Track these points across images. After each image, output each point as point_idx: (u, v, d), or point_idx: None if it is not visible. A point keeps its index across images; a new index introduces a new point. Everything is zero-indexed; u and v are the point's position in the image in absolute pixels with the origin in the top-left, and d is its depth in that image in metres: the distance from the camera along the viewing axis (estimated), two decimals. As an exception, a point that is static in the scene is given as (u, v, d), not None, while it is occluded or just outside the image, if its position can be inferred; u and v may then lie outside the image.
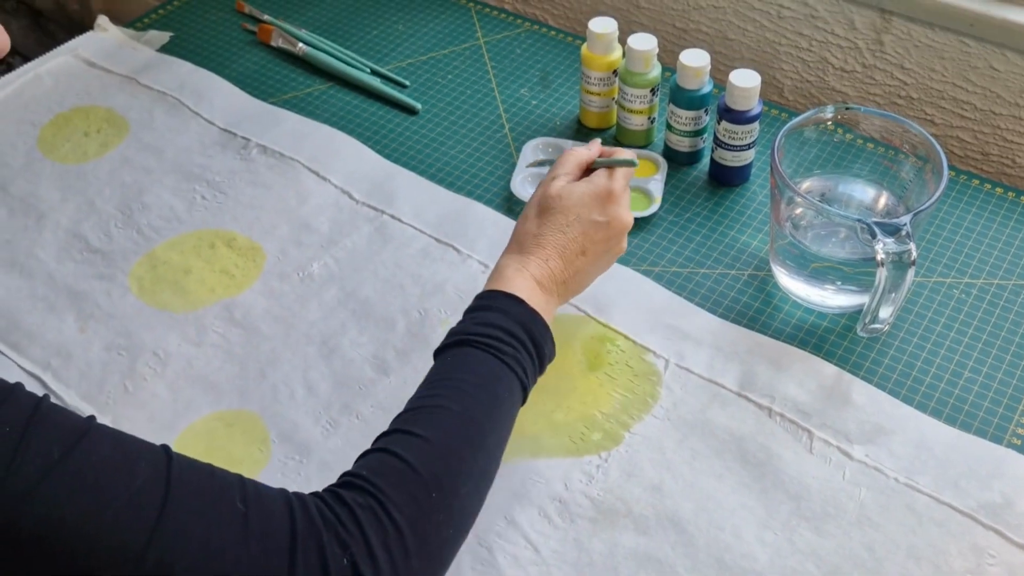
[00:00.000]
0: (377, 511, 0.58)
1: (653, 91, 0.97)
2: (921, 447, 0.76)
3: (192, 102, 1.07)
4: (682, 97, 0.94)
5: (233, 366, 0.83)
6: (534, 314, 0.70)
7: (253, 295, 0.89)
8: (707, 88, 0.94)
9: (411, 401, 0.66)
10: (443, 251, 0.91)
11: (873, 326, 0.78)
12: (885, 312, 0.77)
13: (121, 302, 0.88)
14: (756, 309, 0.86)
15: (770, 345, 0.83)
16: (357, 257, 0.91)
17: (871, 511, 0.72)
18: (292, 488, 0.73)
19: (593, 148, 0.81)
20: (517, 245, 0.75)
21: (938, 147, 0.79)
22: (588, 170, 0.79)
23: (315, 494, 0.59)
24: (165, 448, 0.57)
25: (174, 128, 1.05)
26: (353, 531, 0.56)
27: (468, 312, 0.72)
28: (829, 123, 0.84)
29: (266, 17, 1.18)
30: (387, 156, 1.01)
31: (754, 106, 0.91)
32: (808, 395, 0.79)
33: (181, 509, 0.54)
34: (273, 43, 1.14)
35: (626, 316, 0.85)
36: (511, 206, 0.95)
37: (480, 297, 0.72)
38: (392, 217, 0.95)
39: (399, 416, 0.65)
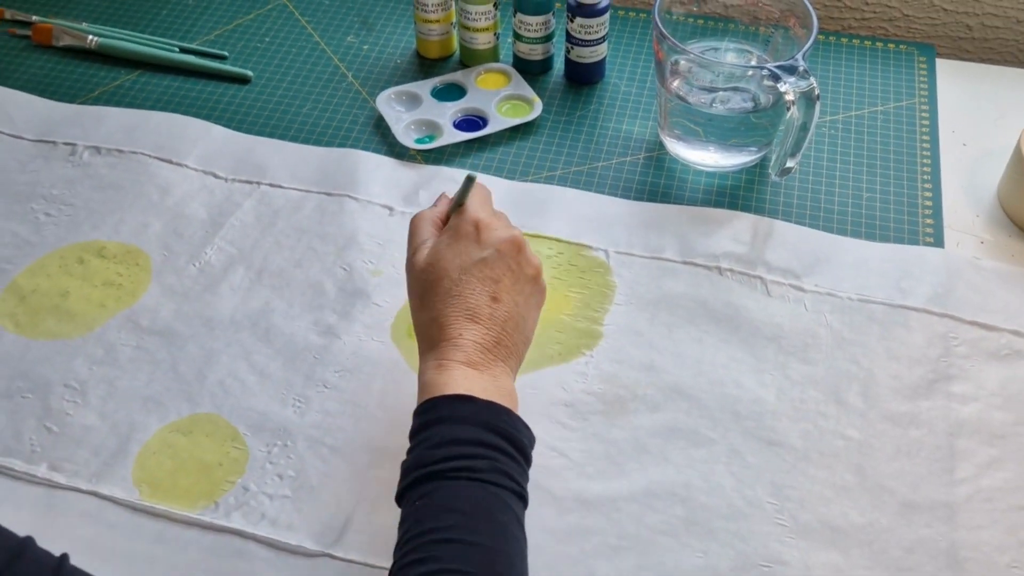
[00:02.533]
0: None
1: (495, 5, 0.96)
2: (857, 265, 0.81)
3: (-15, 121, 0.94)
4: (529, 3, 0.94)
5: (164, 374, 0.75)
6: (489, 405, 0.58)
7: (153, 298, 0.80)
8: (551, -10, 0.95)
9: (400, 567, 0.53)
10: (339, 203, 0.86)
11: (787, 167, 0.83)
12: (797, 151, 0.81)
13: (0, 344, 0.76)
14: (664, 185, 0.88)
15: (691, 212, 0.85)
16: (251, 233, 0.84)
17: (841, 330, 0.77)
18: (291, 471, 0.68)
19: (441, 204, 0.69)
20: (425, 343, 0.62)
21: (796, -8, 0.85)
22: (446, 221, 0.67)
23: None
24: None
25: (-24, 152, 0.91)
26: None
27: (412, 436, 0.59)
28: (687, -9, 0.87)
29: (34, 18, 1.05)
30: (235, 130, 0.93)
31: (603, -3, 0.93)
32: (744, 246, 0.82)
33: None
34: (56, 43, 1.02)
35: (548, 222, 0.85)
36: (399, 152, 0.91)
37: (418, 414, 0.59)
38: (271, 186, 0.88)
39: None
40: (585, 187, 0.88)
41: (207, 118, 0.95)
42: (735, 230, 0.83)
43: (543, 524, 0.66)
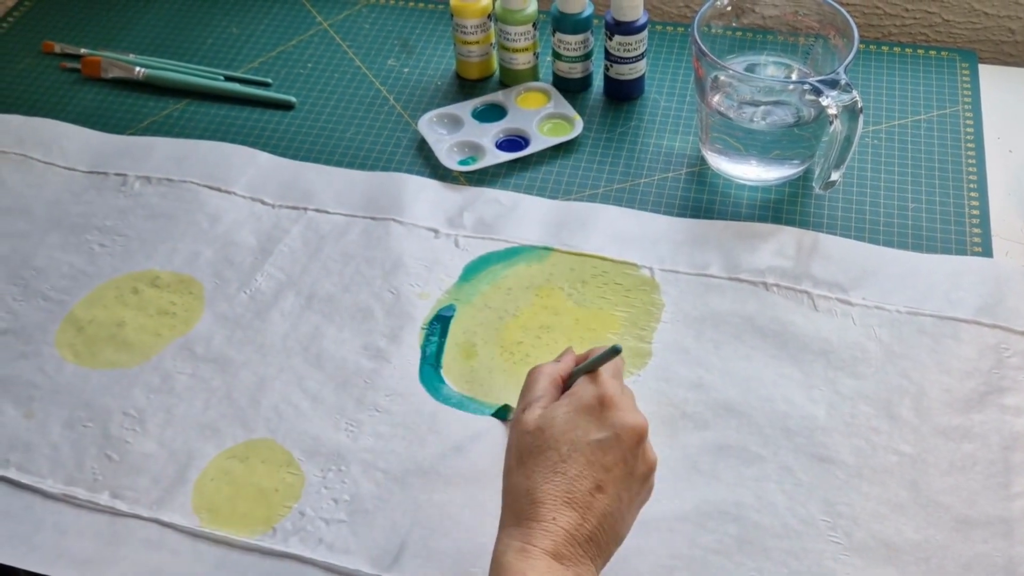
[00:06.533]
0: None
1: (534, 25, 0.97)
2: (905, 276, 0.80)
3: (40, 154, 0.96)
4: (568, 22, 0.95)
5: (220, 400, 0.76)
6: None
7: (206, 326, 0.81)
8: (589, 10, 0.95)
9: None
10: (385, 227, 0.87)
11: (831, 180, 0.82)
12: (841, 164, 0.81)
13: (60, 374, 0.78)
14: (707, 201, 0.88)
15: (735, 227, 0.85)
16: (299, 259, 0.85)
17: (891, 344, 0.76)
18: (346, 496, 0.69)
19: (566, 359, 0.64)
20: (511, 512, 0.57)
21: (836, 5, 0.84)
22: (566, 385, 0.63)
23: None
24: None
25: (32, 184, 0.94)
26: None
27: None
28: (728, 8, 0.87)
29: (83, 51, 1.07)
30: (281, 156, 0.95)
31: (641, 15, 0.93)
32: (789, 261, 0.82)
33: None
34: (104, 75, 1.04)
35: (591, 241, 0.85)
36: (442, 174, 0.92)
37: None
38: (317, 211, 0.89)
39: None
40: (628, 204, 0.88)
41: (253, 145, 0.96)
42: (780, 244, 0.83)
43: None
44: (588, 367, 0.61)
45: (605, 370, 0.61)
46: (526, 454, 0.57)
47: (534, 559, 0.53)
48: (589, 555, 0.55)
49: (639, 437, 0.58)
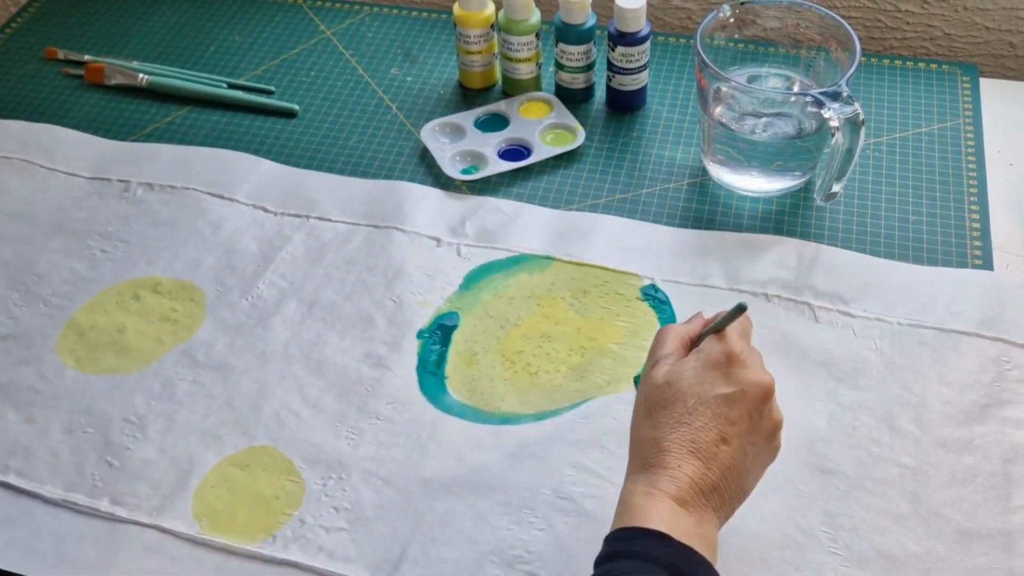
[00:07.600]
0: None
1: (537, 35, 0.97)
2: (906, 289, 0.81)
3: (42, 159, 0.96)
4: (571, 33, 0.95)
5: (220, 407, 0.76)
6: (684, 551, 0.54)
7: (207, 333, 0.81)
8: (592, 21, 0.95)
9: None
10: (387, 235, 0.87)
11: (832, 191, 0.83)
12: (842, 176, 0.81)
13: (60, 380, 0.78)
14: (708, 212, 0.88)
15: (736, 238, 0.85)
16: (301, 266, 0.86)
17: (892, 356, 0.76)
18: (346, 504, 0.69)
19: (695, 322, 0.65)
20: (638, 460, 0.59)
21: (838, 18, 0.85)
22: (694, 344, 0.63)
23: None
24: None
25: (34, 190, 0.94)
26: None
27: (599, 562, 0.55)
28: (731, 20, 0.88)
29: (87, 57, 1.07)
30: (283, 163, 0.95)
31: (644, 26, 0.93)
32: (791, 272, 0.82)
33: None
34: (108, 81, 1.04)
35: (593, 251, 0.85)
36: (444, 183, 0.92)
37: (612, 539, 0.56)
38: (320, 219, 0.89)
39: None
40: (629, 215, 0.88)
41: (256, 152, 0.97)
42: (781, 255, 0.84)
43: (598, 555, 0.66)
44: (716, 327, 0.62)
45: (732, 330, 0.62)
46: (654, 407, 0.59)
47: (658, 501, 0.55)
48: (712, 505, 0.57)
49: (765, 394, 0.59)
